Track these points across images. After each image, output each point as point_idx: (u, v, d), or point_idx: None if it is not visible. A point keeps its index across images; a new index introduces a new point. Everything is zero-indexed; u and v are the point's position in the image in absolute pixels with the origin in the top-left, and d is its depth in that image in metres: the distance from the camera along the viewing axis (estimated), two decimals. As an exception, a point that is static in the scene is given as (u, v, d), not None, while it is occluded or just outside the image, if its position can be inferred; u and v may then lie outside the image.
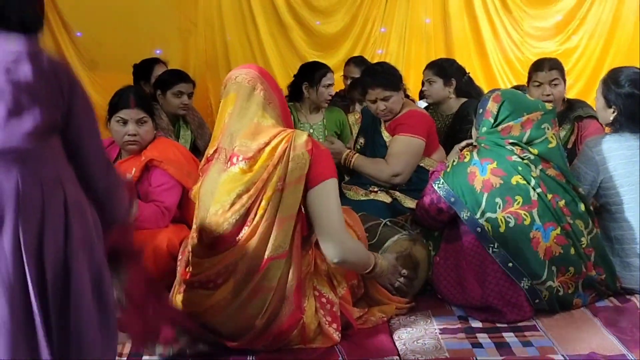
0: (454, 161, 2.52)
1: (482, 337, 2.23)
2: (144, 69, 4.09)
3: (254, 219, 2.01)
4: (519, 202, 2.33)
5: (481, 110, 2.55)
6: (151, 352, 2.04)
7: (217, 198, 2.05)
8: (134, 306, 1.77)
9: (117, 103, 2.66)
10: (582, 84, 5.56)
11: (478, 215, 2.36)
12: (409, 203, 3.00)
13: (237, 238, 2.03)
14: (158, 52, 4.89)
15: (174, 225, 2.70)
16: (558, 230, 2.35)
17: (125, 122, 2.64)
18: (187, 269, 2.17)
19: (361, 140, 3.35)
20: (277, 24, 5.45)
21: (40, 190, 1.40)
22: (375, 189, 3.10)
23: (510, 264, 2.32)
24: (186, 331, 2.05)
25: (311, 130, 3.68)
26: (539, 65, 3.36)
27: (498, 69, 5.70)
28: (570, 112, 3.32)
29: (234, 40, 5.37)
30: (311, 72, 3.65)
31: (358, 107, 4.04)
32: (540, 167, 2.41)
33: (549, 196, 2.36)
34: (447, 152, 3.10)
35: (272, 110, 2.12)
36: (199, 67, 5.23)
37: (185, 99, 3.61)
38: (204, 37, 5.30)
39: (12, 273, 1.36)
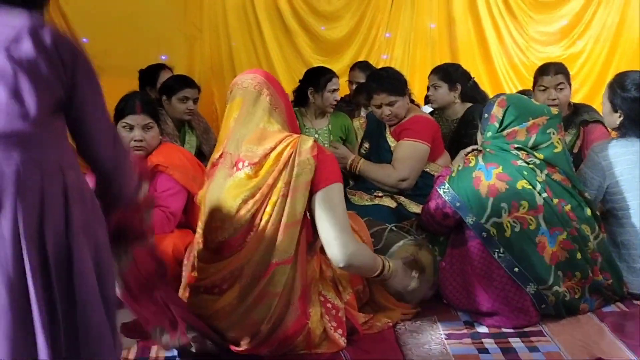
0: (459, 166, 2.51)
1: (488, 343, 2.22)
2: (149, 74, 4.10)
3: (259, 224, 2.01)
4: (524, 207, 2.32)
5: (486, 115, 2.54)
6: (157, 340, 1.96)
7: (223, 203, 2.06)
8: (140, 286, 1.74)
9: (124, 109, 2.67)
10: (588, 89, 5.55)
11: (483, 220, 2.35)
12: (414, 208, 3.00)
13: (242, 243, 2.03)
14: (164, 57, 4.91)
15: (179, 231, 2.70)
16: (564, 235, 2.34)
17: (131, 127, 2.65)
18: (192, 274, 2.17)
19: (366, 145, 3.35)
20: (282, 29, 5.45)
21: (40, 176, 1.38)
22: (380, 194, 3.10)
23: (516, 269, 2.31)
24: (194, 329, 2.03)
25: (316, 136, 3.68)
26: (545, 70, 3.35)
27: (503, 73, 5.69)
28: (576, 116, 3.30)
29: (239, 45, 5.38)
30: (316, 78, 3.65)
31: (363, 112, 4.04)
32: (546, 171, 2.40)
33: (555, 201, 2.36)
34: (453, 157, 3.10)
35: (278, 115, 2.12)
36: (204, 73, 5.24)
37: (190, 105, 3.62)
38: (209, 43, 5.31)
39: (12, 258, 1.35)
